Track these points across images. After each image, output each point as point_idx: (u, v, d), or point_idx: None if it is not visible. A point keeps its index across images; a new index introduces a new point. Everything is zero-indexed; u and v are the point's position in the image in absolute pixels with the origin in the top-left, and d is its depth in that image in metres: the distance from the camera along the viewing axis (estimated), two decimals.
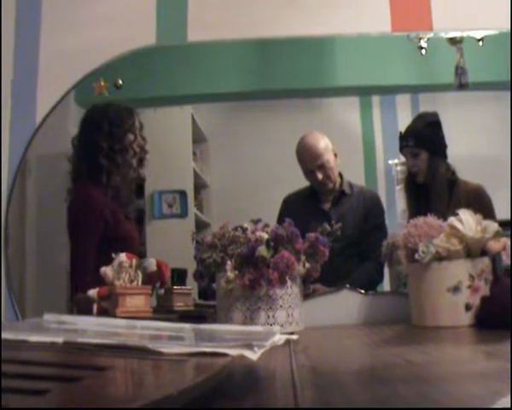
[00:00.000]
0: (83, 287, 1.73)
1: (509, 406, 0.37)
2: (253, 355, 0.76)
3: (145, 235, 2.24)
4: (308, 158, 2.15)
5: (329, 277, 1.66)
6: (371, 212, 2.15)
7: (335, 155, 2.15)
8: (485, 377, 0.81)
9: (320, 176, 2.13)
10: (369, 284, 1.98)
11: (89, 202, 2.01)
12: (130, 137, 2.06)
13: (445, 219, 1.64)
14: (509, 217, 1.90)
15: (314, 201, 2.18)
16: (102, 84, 2.07)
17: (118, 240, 1.95)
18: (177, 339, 0.94)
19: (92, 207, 2.00)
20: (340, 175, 2.17)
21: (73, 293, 1.87)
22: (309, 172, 2.14)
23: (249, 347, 0.78)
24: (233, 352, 0.76)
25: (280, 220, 1.70)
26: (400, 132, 2.13)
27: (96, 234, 1.96)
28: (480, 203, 1.93)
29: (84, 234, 1.98)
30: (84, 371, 0.63)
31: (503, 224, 1.61)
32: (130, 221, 2.09)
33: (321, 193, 2.17)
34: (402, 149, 2.14)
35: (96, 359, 0.75)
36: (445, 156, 2.11)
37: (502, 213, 1.95)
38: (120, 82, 2.08)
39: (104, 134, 2.03)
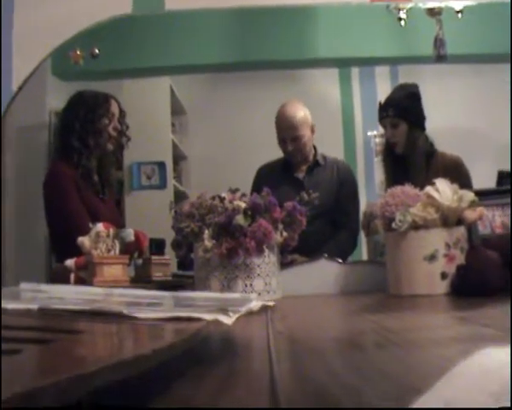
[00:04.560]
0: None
1: (508, 405, 0.37)
2: (228, 320, 0.77)
3: (124, 206, 2.24)
4: (283, 127, 2.15)
5: (304, 245, 1.67)
6: (345, 181, 2.17)
7: (312, 131, 2.15)
8: (457, 341, 0.82)
9: (290, 147, 2.14)
10: (342, 253, 1.98)
11: (59, 179, 2.00)
12: (105, 121, 2.05)
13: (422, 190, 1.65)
14: (488, 187, 1.90)
15: (288, 170, 2.19)
16: (78, 53, 2.05)
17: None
18: (153, 305, 0.94)
19: (62, 183, 1.98)
20: (314, 147, 2.18)
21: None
22: (281, 141, 2.16)
23: (224, 311, 0.78)
24: (208, 317, 0.76)
25: (254, 190, 1.72)
26: (380, 103, 2.12)
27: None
28: (458, 174, 1.94)
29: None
30: (59, 335, 0.63)
31: (480, 194, 1.62)
32: (106, 201, 2.07)
33: (293, 163, 2.18)
34: (381, 120, 2.13)
35: (72, 324, 0.75)
36: (423, 128, 2.12)
37: (479, 183, 1.96)
38: (97, 51, 2.06)
39: (78, 117, 2.02)
